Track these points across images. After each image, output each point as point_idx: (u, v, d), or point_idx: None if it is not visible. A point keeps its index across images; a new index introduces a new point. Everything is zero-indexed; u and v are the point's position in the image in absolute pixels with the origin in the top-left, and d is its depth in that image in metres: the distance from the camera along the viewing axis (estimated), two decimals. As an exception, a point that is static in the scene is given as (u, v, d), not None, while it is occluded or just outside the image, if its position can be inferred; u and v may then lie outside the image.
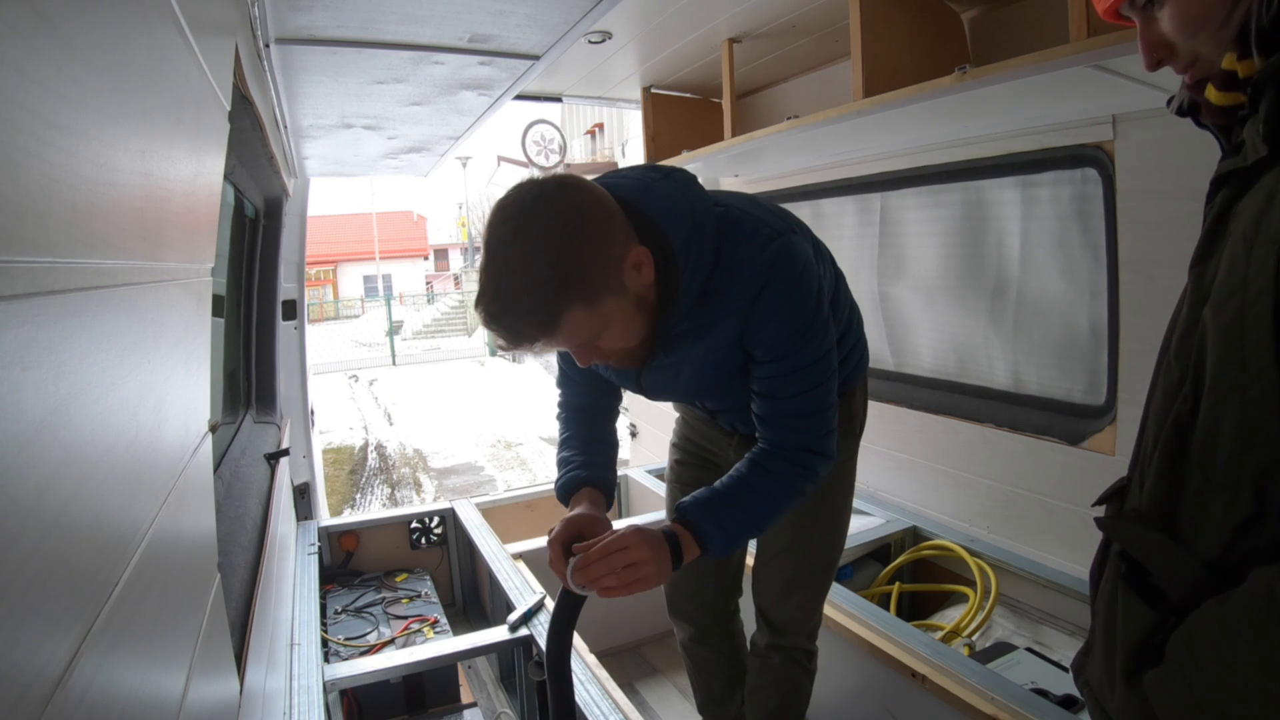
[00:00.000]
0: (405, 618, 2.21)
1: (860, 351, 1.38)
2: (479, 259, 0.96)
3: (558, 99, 2.75)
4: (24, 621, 0.32)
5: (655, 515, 2.26)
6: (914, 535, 2.27)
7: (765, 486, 1.10)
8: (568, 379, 1.31)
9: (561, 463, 1.24)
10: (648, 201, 1.02)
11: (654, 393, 1.30)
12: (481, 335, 16.87)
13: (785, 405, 1.10)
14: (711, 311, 1.07)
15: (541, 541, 2.40)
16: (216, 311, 1.94)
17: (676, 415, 1.63)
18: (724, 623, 1.63)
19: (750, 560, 1.56)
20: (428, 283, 28.79)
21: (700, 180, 1.11)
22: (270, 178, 2.05)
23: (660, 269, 1.01)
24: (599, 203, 0.96)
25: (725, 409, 1.36)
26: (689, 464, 1.56)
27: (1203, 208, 0.62)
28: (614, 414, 1.33)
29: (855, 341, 1.36)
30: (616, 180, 1.06)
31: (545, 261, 0.90)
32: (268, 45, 1.43)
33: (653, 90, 2.64)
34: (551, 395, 1.33)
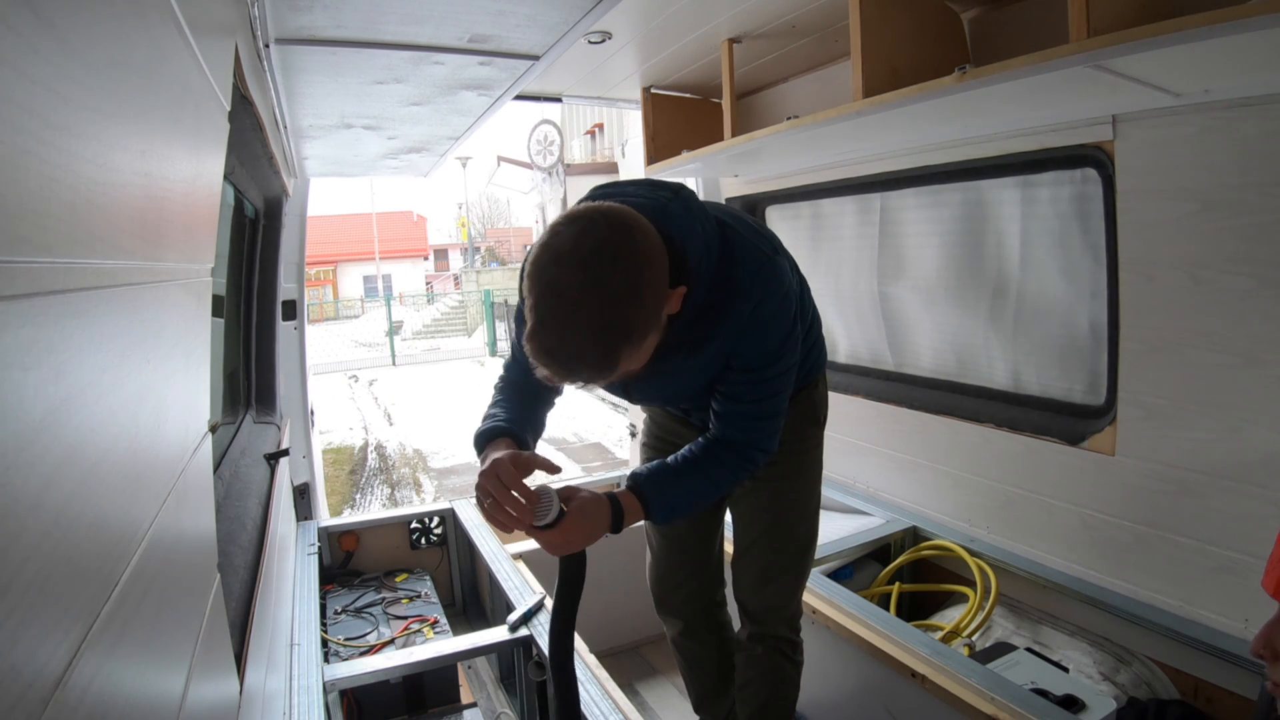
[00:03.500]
0: (405, 618, 2.20)
1: (820, 348, 1.47)
2: (536, 292, 0.93)
3: (558, 99, 2.75)
4: (24, 621, 0.32)
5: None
6: (914, 535, 2.27)
7: (712, 472, 1.21)
8: (517, 362, 1.28)
9: (485, 418, 1.23)
10: (666, 224, 1.03)
11: (640, 399, 1.34)
12: (481, 335, 16.87)
13: (746, 408, 1.20)
14: (708, 327, 1.11)
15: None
16: (216, 311, 1.94)
17: (644, 416, 1.65)
18: (712, 614, 1.66)
19: (730, 551, 1.58)
20: (428, 283, 28.78)
21: (701, 181, 1.13)
22: (270, 178, 2.05)
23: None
24: (657, 245, 0.97)
25: (698, 408, 1.41)
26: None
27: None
28: (550, 404, 1.32)
29: (816, 339, 1.43)
30: (633, 202, 1.04)
31: (619, 318, 0.92)
32: (268, 45, 1.43)
33: (653, 90, 2.63)
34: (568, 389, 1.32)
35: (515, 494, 1.06)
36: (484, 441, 1.19)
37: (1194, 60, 1.24)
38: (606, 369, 0.96)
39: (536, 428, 1.27)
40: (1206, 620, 1.59)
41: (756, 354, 1.15)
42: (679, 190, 1.10)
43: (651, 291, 0.96)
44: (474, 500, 2.78)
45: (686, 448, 1.24)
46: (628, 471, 3.07)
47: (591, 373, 0.96)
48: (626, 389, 1.30)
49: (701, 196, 1.31)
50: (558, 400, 1.34)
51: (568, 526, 1.10)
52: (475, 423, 1.24)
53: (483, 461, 1.11)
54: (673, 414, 1.53)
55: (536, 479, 1.14)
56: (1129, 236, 1.65)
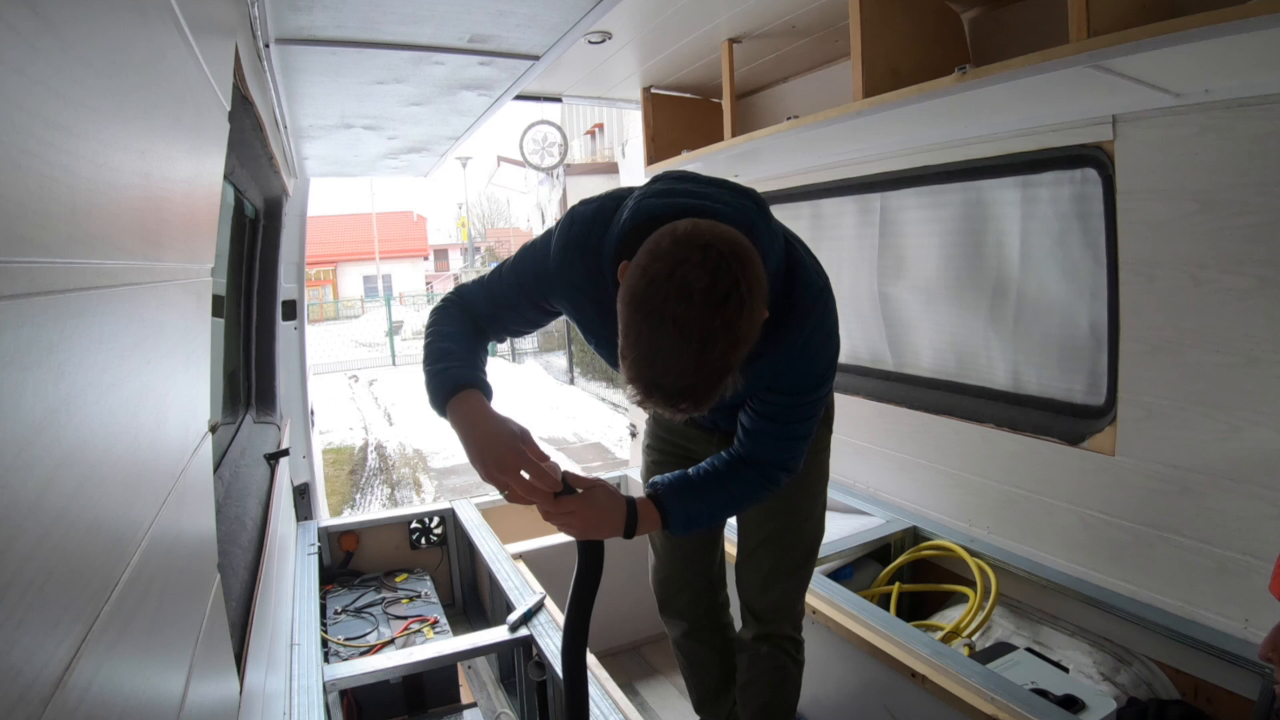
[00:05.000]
0: (405, 618, 2.20)
1: None
2: (652, 322, 0.87)
3: (558, 99, 2.75)
4: (24, 621, 0.32)
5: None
6: (914, 535, 2.27)
7: (736, 488, 1.20)
8: (495, 305, 1.21)
9: (442, 354, 1.15)
10: (753, 240, 0.98)
11: None
12: (481, 335, 16.79)
13: (780, 429, 1.18)
14: (759, 345, 1.06)
15: (542, 542, 2.42)
16: (216, 311, 1.94)
17: (646, 417, 1.64)
18: (715, 616, 1.66)
19: (732, 552, 1.57)
20: (428, 283, 28.77)
21: None
22: (270, 178, 2.05)
23: None
24: (765, 278, 0.93)
25: (714, 408, 1.38)
26: (667, 463, 1.57)
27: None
28: (492, 338, 1.27)
29: None
30: (720, 210, 1.00)
31: (736, 359, 0.89)
32: (268, 45, 1.43)
33: (653, 90, 2.64)
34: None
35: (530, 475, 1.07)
36: (449, 388, 1.11)
37: (1194, 60, 1.24)
38: (711, 403, 0.93)
39: (486, 364, 1.22)
40: (1206, 620, 1.59)
41: (801, 378, 1.13)
42: (759, 201, 1.06)
43: (759, 327, 0.92)
44: (474, 501, 2.79)
45: (708, 460, 1.21)
46: (628, 472, 3.09)
47: (695, 407, 0.92)
48: None
49: None
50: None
51: (577, 502, 1.09)
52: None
53: (461, 425, 1.08)
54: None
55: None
56: (1129, 236, 1.65)
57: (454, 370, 1.12)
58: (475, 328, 1.22)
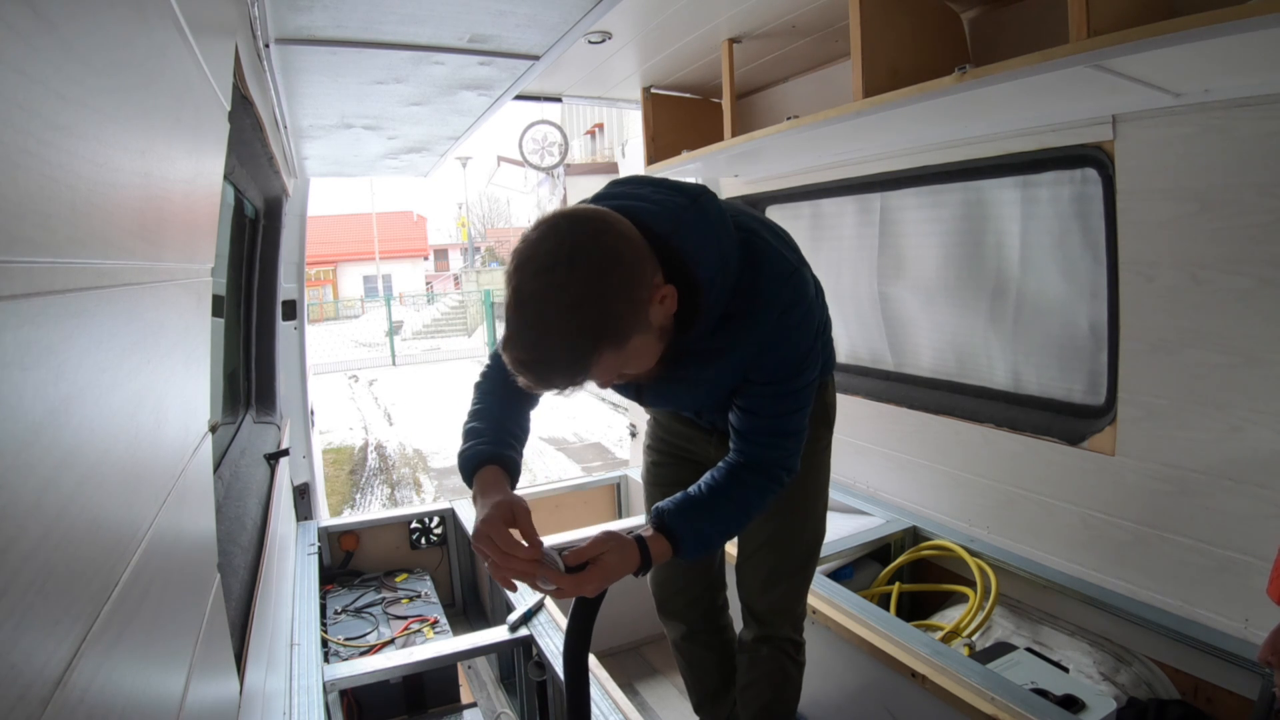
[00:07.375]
0: (405, 618, 2.20)
1: (831, 349, 1.43)
2: (505, 300, 0.93)
3: (558, 99, 2.75)
4: (24, 621, 0.32)
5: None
6: (914, 535, 2.27)
7: (740, 497, 1.17)
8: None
9: (470, 434, 1.16)
10: (679, 238, 1.00)
11: (654, 403, 1.33)
12: (481, 335, 16.87)
13: (768, 424, 1.16)
14: (730, 336, 1.09)
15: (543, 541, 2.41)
16: (216, 311, 1.94)
17: (648, 418, 1.64)
18: (714, 618, 1.66)
19: (732, 553, 1.57)
20: (428, 283, 28.78)
21: (700, 181, 1.11)
22: (270, 178, 2.05)
23: (683, 298, 1.01)
24: (631, 245, 0.95)
25: (710, 410, 1.39)
26: (667, 464, 1.58)
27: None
28: (534, 402, 1.25)
29: (827, 339, 1.40)
30: (644, 207, 1.02)
31: (583, 320, 0.90)
32: (268, 45, 1.43)
33: (653, 90, 2.63)
34: (548, 394, 1.22)
35: (516, 553, 1.02)
36: (471, 467, 1.12)
37: (1194, 60, 1.24)
38: (578, 376, 0.93)
39: (521, 433, 1.20)
40: (1206, 620, 1.59)
41: (778, 366, 1.12)
42: (698, 197, 1.05)
43: (618, 295, 0.92)
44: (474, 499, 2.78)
45: (708, 474, 1.19)
46: (628, 472, 3.08)
47: (564, 380, 0.93)
48: (639, 393, 1.27)
49: None
50: (542, 398, 1.25)
51: (580, 578, 1.05)
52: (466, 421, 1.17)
53: (475, 504, 1.07)
54: (680, 415, 1.52)
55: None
56: (1129, 236, 1.65)
57: (477, 449, 1.13)
58: (506, 394, 1.20)
